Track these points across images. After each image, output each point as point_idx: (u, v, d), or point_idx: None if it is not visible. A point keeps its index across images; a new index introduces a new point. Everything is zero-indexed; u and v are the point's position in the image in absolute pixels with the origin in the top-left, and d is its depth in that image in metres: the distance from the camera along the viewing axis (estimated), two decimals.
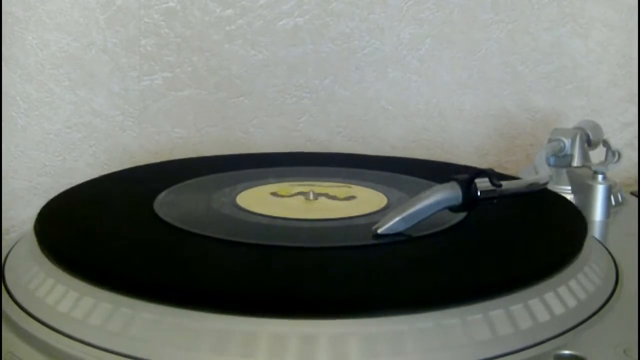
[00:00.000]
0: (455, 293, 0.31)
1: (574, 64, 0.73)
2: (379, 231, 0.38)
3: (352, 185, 0.49)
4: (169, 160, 0.58)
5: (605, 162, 0.57)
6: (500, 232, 0.40)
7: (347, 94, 0.69)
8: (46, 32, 0.62)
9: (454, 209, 0.39)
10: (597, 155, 0.58)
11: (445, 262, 0.35)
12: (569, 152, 0.56)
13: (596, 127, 0.58)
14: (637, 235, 0.46)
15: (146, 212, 0.42)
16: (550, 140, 0.57)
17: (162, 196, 0.45)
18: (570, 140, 0.56)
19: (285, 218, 0.41)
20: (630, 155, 0.74)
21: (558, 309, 0.33)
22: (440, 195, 0.38)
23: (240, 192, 0.47)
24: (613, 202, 0.54)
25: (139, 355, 0.29)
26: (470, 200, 0.39)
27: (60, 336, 0.31)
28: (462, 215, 0.40)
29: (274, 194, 0.47)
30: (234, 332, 0.29)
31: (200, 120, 0.67)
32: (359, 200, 0.45)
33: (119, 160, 0.65)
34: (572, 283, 0.35)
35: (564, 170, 0.56)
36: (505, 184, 0.40)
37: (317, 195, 0.46)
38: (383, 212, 0.41)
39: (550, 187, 0.48)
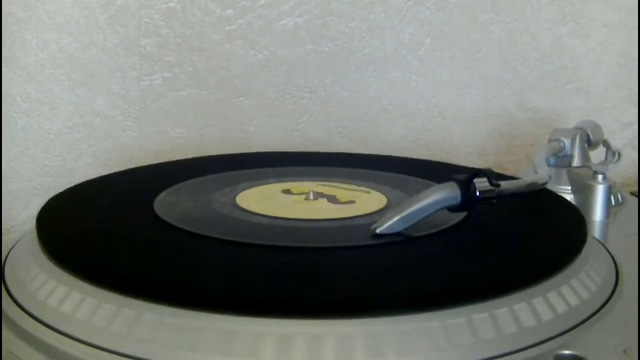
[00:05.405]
0: (453, 293, 0.31)
1: (574, 64, 0.73)
2: (377, 231, 0.38)
3: (352, 185, 0.49)
4: (169, 161, 0.58)
5: (605, 162, 0.56)
6: (500, 233, 0.40)
7: (347, 94, 0.69)
8: (46, 32, 0.62)
9: (452, 208, 0.39)
10: (597, 155, 0.58)
11: (444, 263, 0.35)
12: (569, 152, 0.56)
13: (596, 127, 0.58)
14: (637, 235, 0.46)
15: (146, 212, 0.42)
16: (550, 140, 0.57)
17: (162, 196, 0.45)
18: (570, 140, 0.56)
19: (285, 218, 0.41)
20: (630, 155, 0.74)
21: (558, 309, 0.32)
22: (439, 195, 0.38)
23: (240, 192, 0.47)
24: (613, 202, 0.54)
25: (137, 354, 0.29)
26: (468, 200, 0.39)
27: (60, 336, 0.31)
28: (461, 216, 0.40)
29: (274, 194, 0.47)
30: (233, 332, 0.29)
31: (200, 120, 0.67)
32: (358, 200, 0.45)
33: (119, 160, 0.65)
34: (572, 283, 0.34)
35: (564, 170, 0.56)
36: (504, 184, 0.40)
37: (317, 195, 0.46)
38: (383, 212, 0.41)
39: (550, 187, 0.48)
